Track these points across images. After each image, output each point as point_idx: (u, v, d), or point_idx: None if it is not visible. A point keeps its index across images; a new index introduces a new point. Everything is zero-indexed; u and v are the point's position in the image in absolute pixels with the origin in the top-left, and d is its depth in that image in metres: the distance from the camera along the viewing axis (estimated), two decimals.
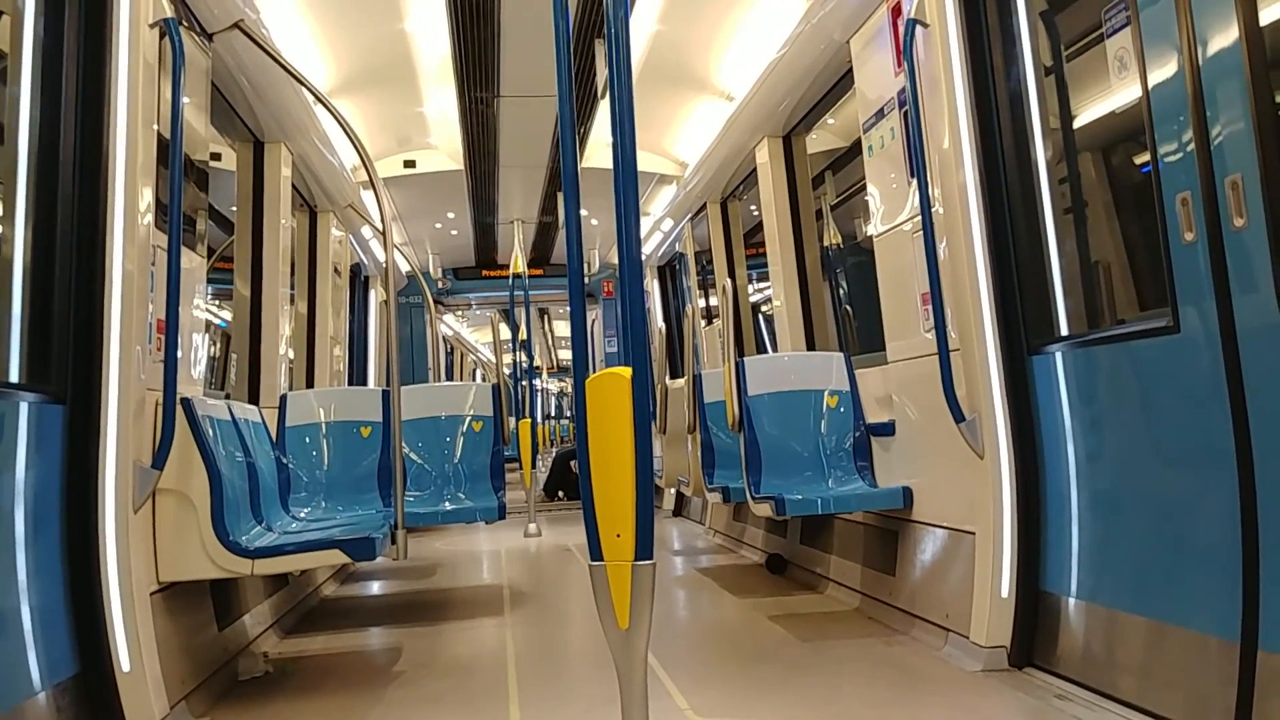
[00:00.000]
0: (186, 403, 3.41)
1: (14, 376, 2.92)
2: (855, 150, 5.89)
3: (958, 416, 3.59)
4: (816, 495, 4.39)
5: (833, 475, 4.84)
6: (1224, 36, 2.37)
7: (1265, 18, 2.33)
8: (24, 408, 2.78)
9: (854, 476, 4.77)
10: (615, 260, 13.07)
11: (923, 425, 4.13)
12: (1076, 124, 3.57)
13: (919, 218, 3.76)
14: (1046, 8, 3.53)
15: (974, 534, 3.60)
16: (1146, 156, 2.70)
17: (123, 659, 2.91)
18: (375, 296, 9.63)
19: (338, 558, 3.54)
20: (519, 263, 10.69)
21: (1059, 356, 3.30)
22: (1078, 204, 3.61)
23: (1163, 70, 2.59)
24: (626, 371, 2.42)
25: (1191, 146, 2.49)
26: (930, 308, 3.71)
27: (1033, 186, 3.48)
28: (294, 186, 5.93)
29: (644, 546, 2.39)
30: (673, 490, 8.77)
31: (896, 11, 4.00)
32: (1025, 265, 3.51)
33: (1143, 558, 2.90)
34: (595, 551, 2.42)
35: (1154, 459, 2.86)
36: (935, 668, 3.49)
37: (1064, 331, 3.38)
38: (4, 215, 3.03)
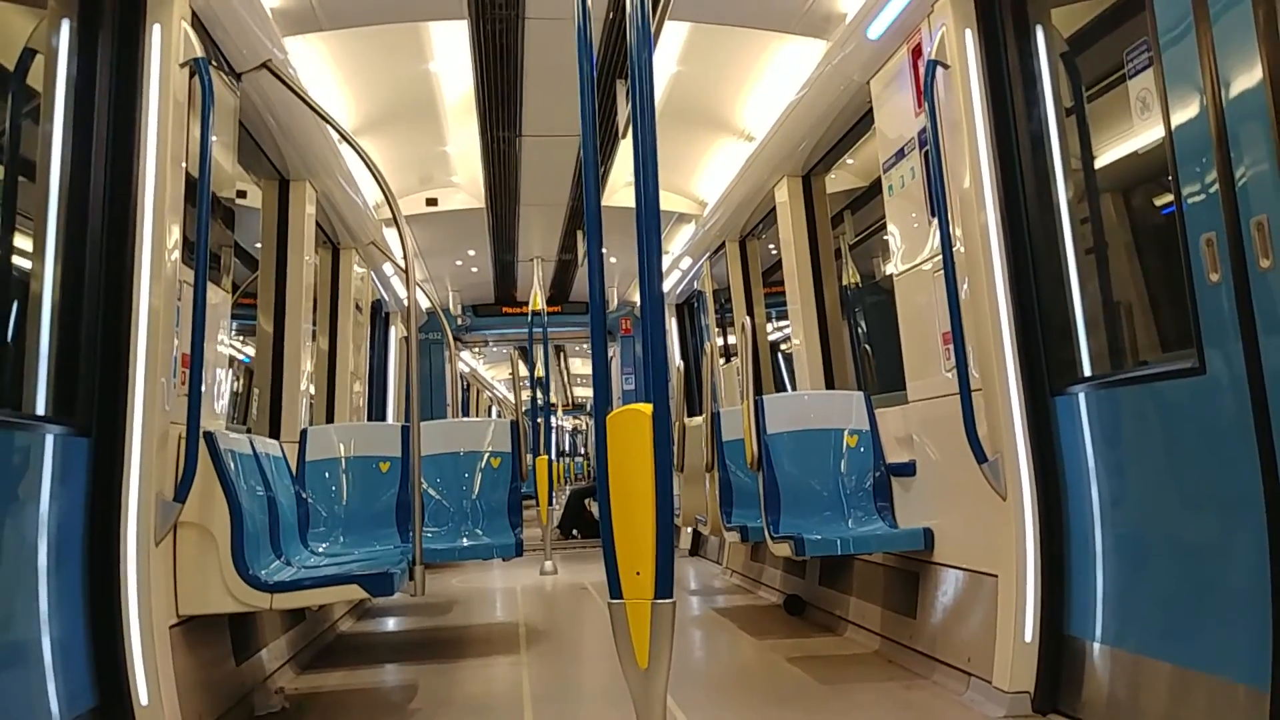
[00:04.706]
0: (209, 436, 3.43)
1: (40, 409, 2.95)
2: (874, 190, 5.91)
3: (980, 457, 3.56)
4: (836, 535, 4.34)
5: (852, 515, 4.79)
6: (1248, 77, 2.37)
7: None
8: (50, 440, 2.80)
9: (874, 517, 4.72)
10: (634, 298, 13.11)
11: (944, 466, 4.10)
12: (1098, 164, 3.57)
13: (940, 257, 3.76)
14: (1067, 49, 3.55)
15: (996, 576, 3.56)
16: (1168, 197, 2.70)
17: (141, 693, 2.91)
18: (395, 333, 9.69)
19: (356, 593, 3.53)
20: (538, 300, 10.74)
21: (1082, 397, 3.27)
22: (1100, 244, 3.60)
23: (1186, 111, 2.59)
24: (647, 408, 2.42)
25: (1215, 187, 2.48)
26: (951, 347, 3.69)
27: (1054, 226, 3.47)
28: (317, 223, 6.01)
29: (664, 585, 2.37)
30: (689, 529, 8.71)
31: (917, 53, 4.04)
32: (1047, 305, 3.49)
33: (1169, 602, 2.85)
34: (615, 589, 2.40)
35: (1180, 502, 2.82)
36: (957, 713, 3.42)
37: (1087, 372, 3.35)
38: (34, 251, 3.08)
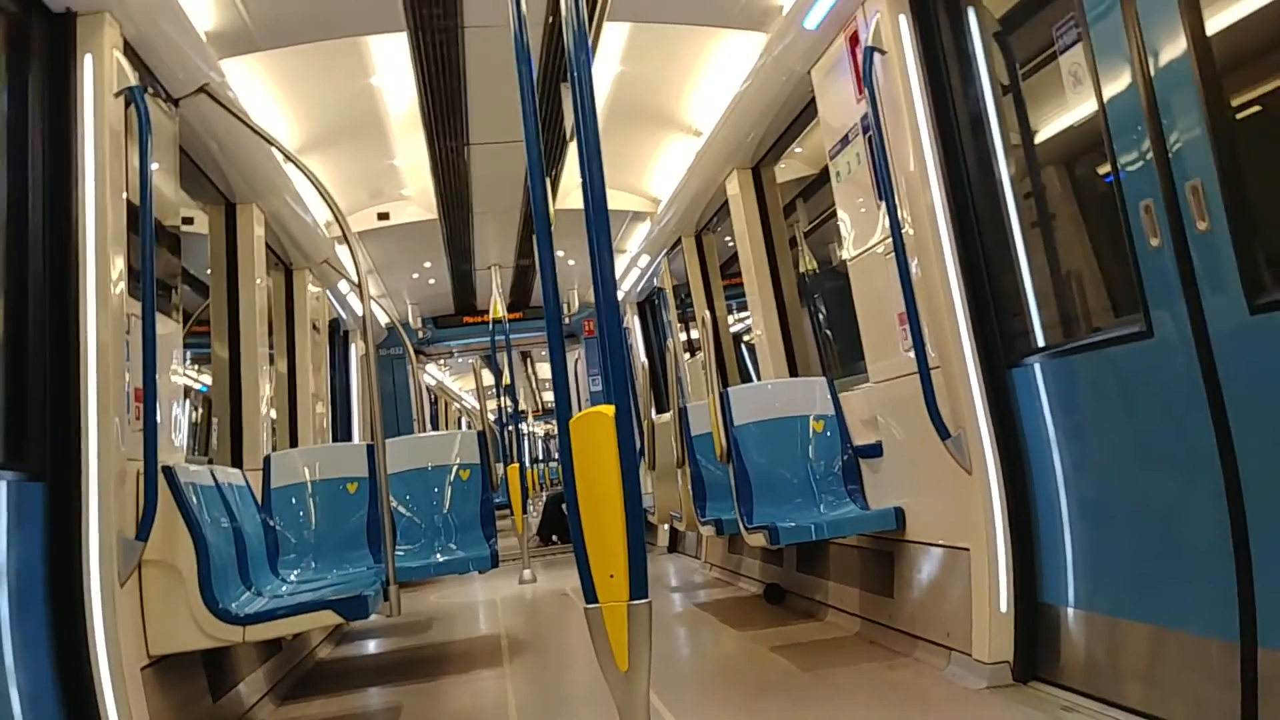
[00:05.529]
0: (168, 471, 3.37)
1: None
2: (824, 177, 5.95)
3: (943, 433, 3.60)
4: (809, 521, 4.37)
5: (824, 500, 4.83)
6: (1173, 47, 2.42)
7: (1210, 27, 2.38)
8: (2, 487, 2.74)
9: (845, 500, 4.76)
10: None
11: (909, 444, 4.14)
12: (1037, 139, 3.62)
13: (890, 240, 3.80)
14: (999, 29, 3.60)
15: (968, 550, 3.60)
16: (1107, 167, 2.75)
17: None
18: (355, 350, 9.60)
19: (330, 618, 3.49)
20: (498, 308, 10.68)
21: (1038, 367, 3.32)
22: (1044, 216, 3.66)
23: (1116, 83, 2.64)
24: (609, 409, 2.42)
25: (1150, 155, 2.53)
26: (908, 327, 3.73)
27: (998, 202, 3.52)
28: (268, 245, 5.93)
29: (638, 585, 2.38)
30: (666, 526, 8.72)
31: (854, 40, 4.07)
32: (998, 279, 3.54)
33: (1137, 563, 2.90)
34: (590, 594, 2.40)
35: (1139, 463, 2.87)
36: (939, 688, 3.46)
37: (1040, 342, 3.41)
38: None
